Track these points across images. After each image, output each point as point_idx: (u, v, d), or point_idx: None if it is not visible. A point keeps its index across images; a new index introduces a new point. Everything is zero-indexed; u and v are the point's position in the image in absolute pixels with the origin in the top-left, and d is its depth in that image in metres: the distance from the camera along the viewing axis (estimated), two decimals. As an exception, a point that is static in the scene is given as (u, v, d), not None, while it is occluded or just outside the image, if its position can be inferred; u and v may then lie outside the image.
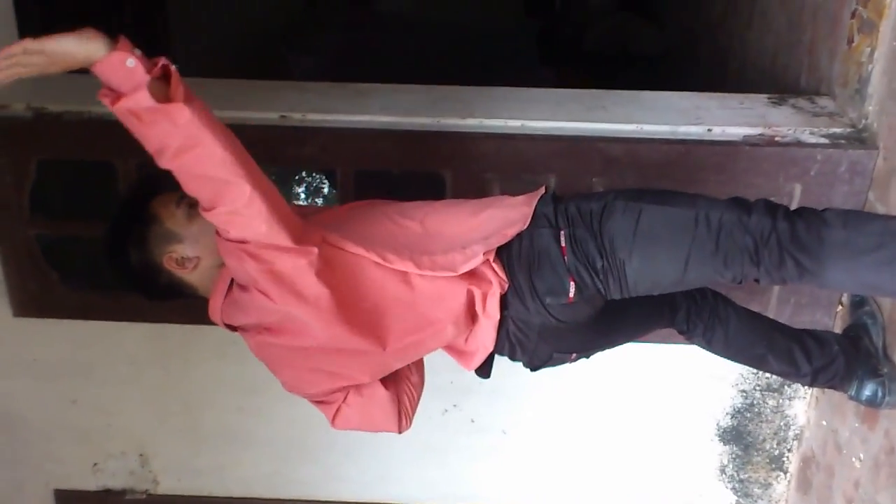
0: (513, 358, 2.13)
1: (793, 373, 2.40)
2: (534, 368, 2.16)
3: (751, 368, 2.98)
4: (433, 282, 1.93)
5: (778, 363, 2.37)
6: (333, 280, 1.85)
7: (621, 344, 2.29)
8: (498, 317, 1.98)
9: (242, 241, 1.76)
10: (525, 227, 1.98)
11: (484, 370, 2.15)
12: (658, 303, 2.25)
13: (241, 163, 1.71)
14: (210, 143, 1.67)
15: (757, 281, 1.98)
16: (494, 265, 1.95)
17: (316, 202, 4.97)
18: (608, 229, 1.95)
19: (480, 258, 1.93)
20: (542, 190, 2.08)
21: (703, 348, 2.40)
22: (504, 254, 1.98)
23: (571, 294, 1.95)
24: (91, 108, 2.76)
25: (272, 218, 1.74)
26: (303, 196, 5.04)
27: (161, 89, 1.63)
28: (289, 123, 2.78)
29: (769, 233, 1.92)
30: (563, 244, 1.96)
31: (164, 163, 1.69)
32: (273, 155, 2.83)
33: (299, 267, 1.79)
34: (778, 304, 2.82)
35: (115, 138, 2.68)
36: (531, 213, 2.00)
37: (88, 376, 3.20)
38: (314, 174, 4.93)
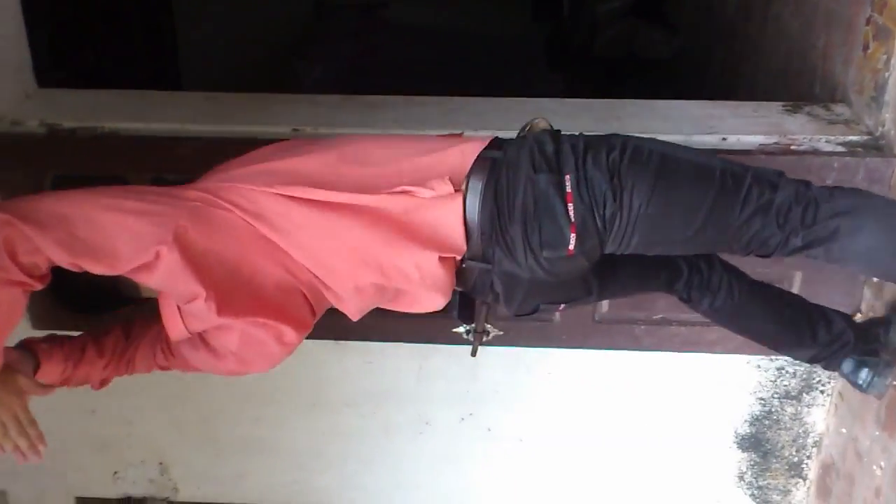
0: (496, 302, 2.02)
1: (795, 349, 2.33)
2: (517, 317, 2.06)
3: (769, 376, 2.98)
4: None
5: (786, 343, 2.31)
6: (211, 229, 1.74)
7: (610, 298, 2.20)
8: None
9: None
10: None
11: (464, 314, 2.09)
12: (655, 263, 2.13)
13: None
14: None
15: (766, 256, 1.88)
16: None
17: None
18: (630, 169, 1.78)
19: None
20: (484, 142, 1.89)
21: (707, 318, 2.30)
22: (489, 203, 1.81)
23: (572, 246, 1.79)
24: (104, 124, 2.78)
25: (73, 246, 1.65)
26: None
27: None
28: (301, 137, 2.76)
29: (804, 190, 1.83)
30: (567, 189, 1.78)
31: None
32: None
33: (164, 267, 1.68)
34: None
35: (129, 153, 2.76)
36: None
37: (108, 386, 3.20)
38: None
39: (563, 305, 2.07)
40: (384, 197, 1.78)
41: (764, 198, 1.81)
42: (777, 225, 1.81)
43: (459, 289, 1.96)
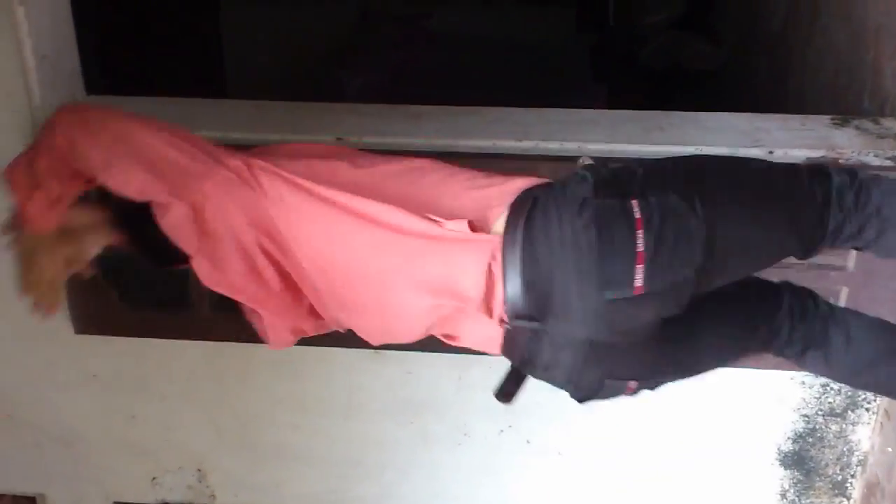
0: (549, 381, 1.77)
1: None
2: (580, 400, 1.80)
3: (814, 393, 2.93)
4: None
5: None
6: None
7: (700, 373, 1.87)
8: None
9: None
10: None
11: (505, 394, 1.86)
12: (749, 317, 1.89)
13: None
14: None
15: (813, 249, 1.76)
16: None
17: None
18: (707, 190, 1.60)
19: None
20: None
21: (819, 373, 2.02)
22: (528, 244, 1.59)
23: (639, 282, 1.53)
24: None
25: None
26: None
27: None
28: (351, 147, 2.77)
29: (853, 177, 1.75)
30: (636, 216, 1.54)
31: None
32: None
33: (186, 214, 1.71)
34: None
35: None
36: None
37: (147, 392, 3.24)
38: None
39: (634, 384, 1.74)
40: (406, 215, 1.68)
41: (824, 186, 1.72)
42: (840, 209, 1.72)
43: (508, 360, 1.77)
